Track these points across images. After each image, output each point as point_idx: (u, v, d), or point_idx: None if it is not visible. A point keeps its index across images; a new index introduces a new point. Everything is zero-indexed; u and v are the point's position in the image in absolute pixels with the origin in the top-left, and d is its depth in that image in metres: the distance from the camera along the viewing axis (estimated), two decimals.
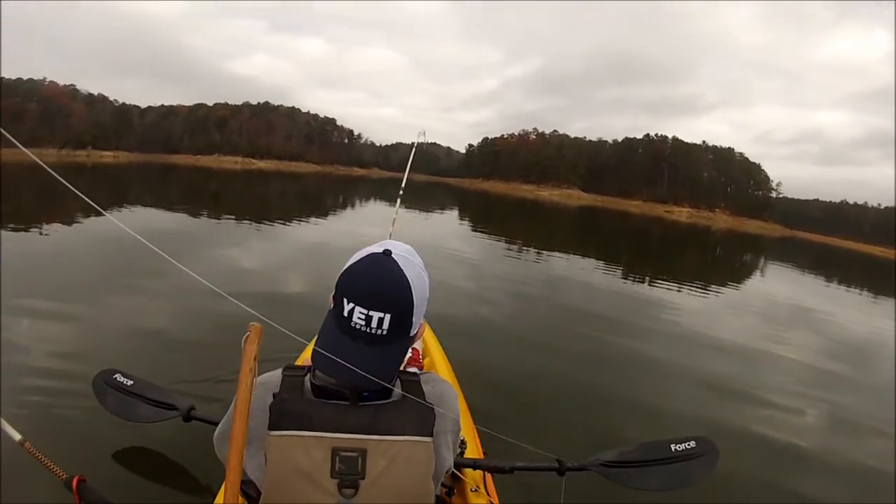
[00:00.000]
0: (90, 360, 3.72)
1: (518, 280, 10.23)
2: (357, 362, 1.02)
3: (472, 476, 1.96)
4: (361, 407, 1.07)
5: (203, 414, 2.29)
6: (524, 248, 16.30)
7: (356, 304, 1.05)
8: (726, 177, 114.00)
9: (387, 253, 1.08)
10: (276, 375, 1.13)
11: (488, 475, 2.05)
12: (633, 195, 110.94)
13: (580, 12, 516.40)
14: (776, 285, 16.26)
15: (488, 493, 1.93)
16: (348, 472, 1.04)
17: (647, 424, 4.33)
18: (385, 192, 43.74)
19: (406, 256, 1.11)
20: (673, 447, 2.01)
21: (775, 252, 36.65)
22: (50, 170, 1.05)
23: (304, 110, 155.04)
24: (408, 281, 1.07)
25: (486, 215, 32.92)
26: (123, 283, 6.18)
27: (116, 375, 2.54)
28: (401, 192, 4.08)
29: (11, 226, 9.48)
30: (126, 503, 2.40)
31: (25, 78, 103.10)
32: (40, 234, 9.27)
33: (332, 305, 1.10)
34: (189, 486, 2.71)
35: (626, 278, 12.61)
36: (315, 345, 1.06)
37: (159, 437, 2.89)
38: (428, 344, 3.27)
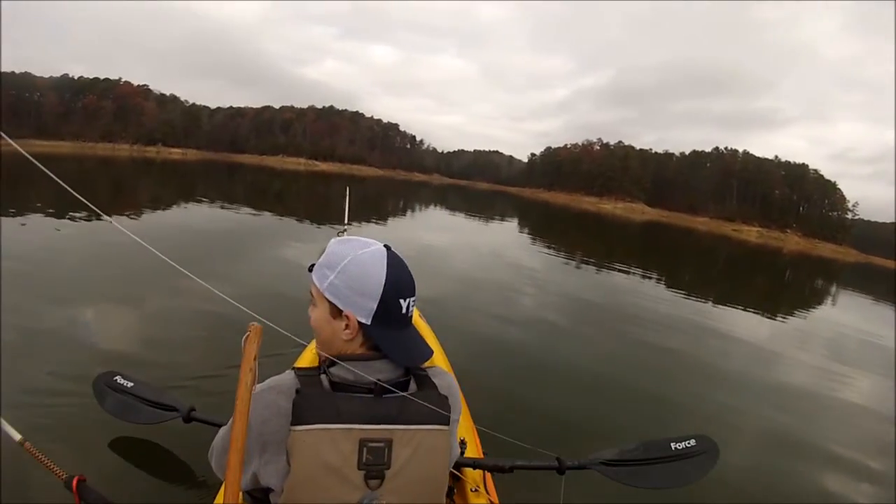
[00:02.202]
0: (91, 360, 3.82)
1: (537, 283, 10.32)
2: (421, 341, 1.22)
3: (472, 476, 1.94)
4: (386, 398, 1.11)
5: (203, 415, 2.29)
6: (565, 255, 15.83)
7: (409, 297, 1.18)
8: (799, 195, 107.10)
9: (387, 247, 1.19)
10: (288, 378, 1.14)
11: (488, 475, 2.03)
12: (699, 211, 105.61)
13: (657, 22, 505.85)
14: (845, 314, 15.02)
15: (488, 493, 1.90)
16: (375, 462, 1.07)
17: (649, 423, 4.40)
18: (447, 199, 43.54)
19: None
20: (673, 445, 2.02)
21: (849, 279, 34.40)
22: (46, 170, 1.04)
23: (368, 115, 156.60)
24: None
25: (544, 226, 32.27)
26: (127, 282, 6.15)
27: (116, 377, 2.57)
28: (345, 230, 4.08)
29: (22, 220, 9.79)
30: (126, 503, 2.36)
31: (102, 77, 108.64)
32: (48, 230, 9.26)
33: (367, 319, 1.14)
34: (189, 486, 2.71)
35: (674, 292, 12.05)
36: (371, 344, 1.15)
37: (160, 437, 2.91)
38: (427, 343, 2.82)
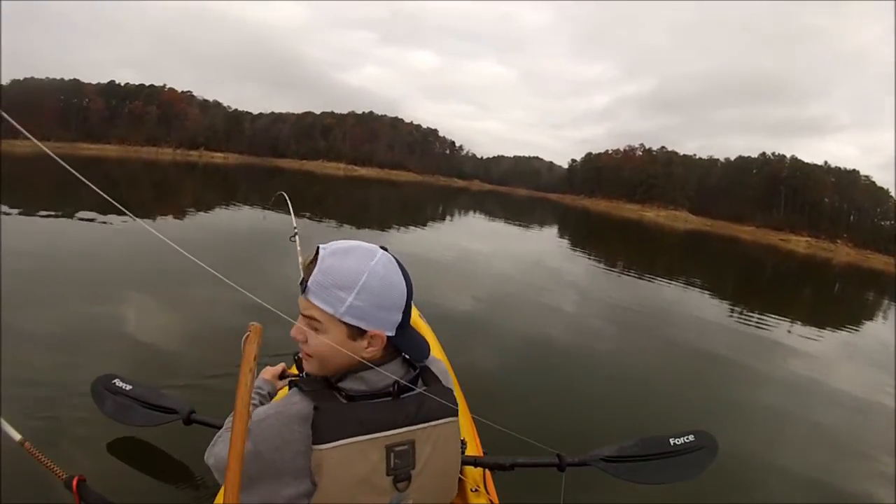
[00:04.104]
0: (92, 359, 3.84)
1: (554, 285, 10.31)
2: (421, 338, 1.23)
3: (472, 475, 1.91)
4: (403, 399, 1.12)
5: (203, 417, 2.29)
6: (594, 260, 15.36)
7: (412, 296, 1.18)
8: (849, 203, 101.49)
9: (385, 249, 1.16)
10: (296, 400, 1.10)
11: (488, 474, 2.01)
12: (745, 220, 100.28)
13: (703, 28, 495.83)
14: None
15: (488, 493, 1.88)
16: (402, 465, 1.09)
17: (655, 421, 4.42)
18: (485, 205, 43.11)
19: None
20: (672, 441, 2.03)
21: None
22: (64, 164, 1.02)
23: (407, 121, 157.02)
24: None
25: (583, 234, 31.61)
26: (131, 281, 6.08)
27: (115, 380, 2.56)
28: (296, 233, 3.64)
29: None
30: (126, 503, 2.30)
31: (147, 84, 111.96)
32: (54, 228, 9.19)
33: (392, 331, 1.13)
34: (189, 487, 2.69)
35: (704, 298, 11.59)
36: (387, 350, 1.15)
37: (160, 437, 2.88)
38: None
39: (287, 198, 4.00)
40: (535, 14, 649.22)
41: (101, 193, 1.00)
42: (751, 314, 10.70)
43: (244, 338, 0.97)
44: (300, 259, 3.43)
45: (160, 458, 2.85)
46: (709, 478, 2.06)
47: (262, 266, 7.89)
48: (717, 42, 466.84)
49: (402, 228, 17.42)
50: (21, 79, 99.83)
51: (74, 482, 1.69)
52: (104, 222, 9.93)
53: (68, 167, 0.99)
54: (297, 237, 3.45)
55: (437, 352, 3.16)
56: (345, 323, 1.07)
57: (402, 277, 1.13)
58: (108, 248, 7.72)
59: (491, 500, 1.85)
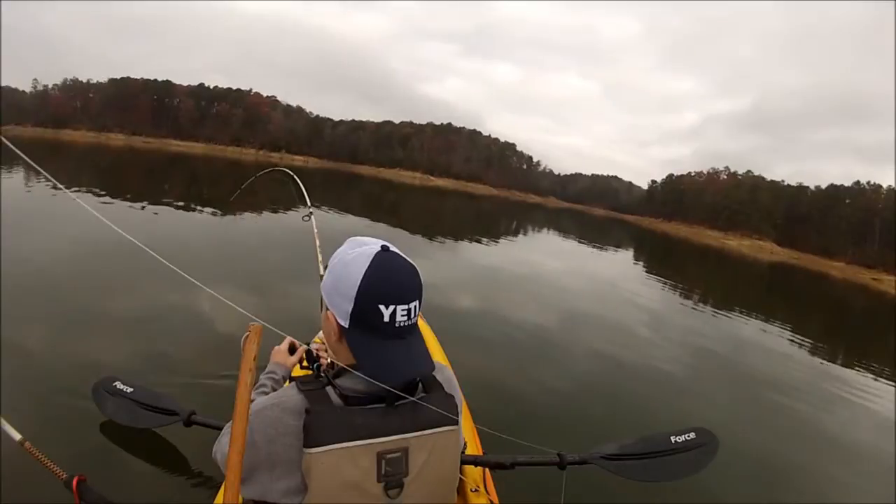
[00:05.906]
0: (92, 359, 3.89)
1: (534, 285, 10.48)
2: (415, 356, 1.13)
3: (472, 475, 1.90)
4: (399, 406, 1.10)
5: (204, 418, 2.31)
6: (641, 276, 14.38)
7: (396, 304, 1.07)
8: None
9: (384, 248, 1.12)
10: (292, 394, 1.10)
11: (488, 474, 2.00)
12: (835, 255, 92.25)
13: (801, 43, 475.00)
14: None
15: (488, 492, 1.87)
16: (394, 472, 1.07)
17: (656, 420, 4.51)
18: (561, 223, 42.35)
19: (390, 244, 1.15)
20: (673, 439, 2.03)
21: None
22: (29, 160, 1.05)
23: (485, 134, 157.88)
24: (413, 265, 1.14)
25: (660, 259, 30.26)
26: (132, 284, 6.00)
27: (116, 383, 2.61)
28: (310, 212, 3.52)
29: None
30: (126, 503, 2.36)
31: (234, 88, 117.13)
32: (55, 227, 8.95)
33: (345, 322, 1.10)
34: (189, 487, 2.69)
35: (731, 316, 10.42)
36: (356, 361, 1.09)
37: (160, 437, 2.87)
38: (428, 344, 2.74)
39: (296, 177, 3.83)
40: (621, 25, 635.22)
41: (73, 196, 0.99)
42: (808, 343, 10.26)
43: (244, 338, 0.97)
44: (317, 242, 3.26)
45: (160, 459, 2.85)
46: (710, 475, 2.10)
47: (270, 270, 7.93)
48: (818, 56, 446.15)
49: (474, 240, 17.38)
50: (118, 78, 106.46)
51: (74, 482, 1.70)
52: (101, 224, 9.75)
53: (21, 153, 1.02)
54: (311, 217, 3.32)
55: (437, 354, 3.16)
56: (322, 297, 1.15)
57: (367, 272, 1.06)
58: (110, 247, 7.37)
59: (491, 500, 1.83)
